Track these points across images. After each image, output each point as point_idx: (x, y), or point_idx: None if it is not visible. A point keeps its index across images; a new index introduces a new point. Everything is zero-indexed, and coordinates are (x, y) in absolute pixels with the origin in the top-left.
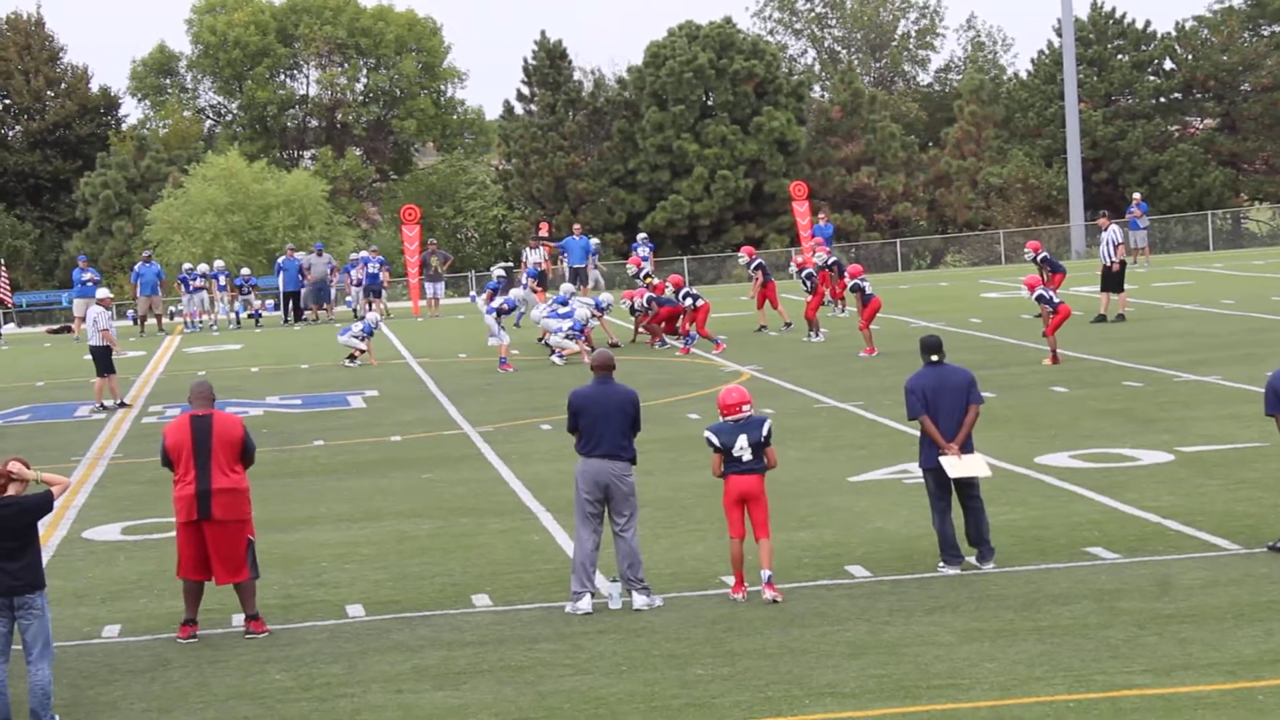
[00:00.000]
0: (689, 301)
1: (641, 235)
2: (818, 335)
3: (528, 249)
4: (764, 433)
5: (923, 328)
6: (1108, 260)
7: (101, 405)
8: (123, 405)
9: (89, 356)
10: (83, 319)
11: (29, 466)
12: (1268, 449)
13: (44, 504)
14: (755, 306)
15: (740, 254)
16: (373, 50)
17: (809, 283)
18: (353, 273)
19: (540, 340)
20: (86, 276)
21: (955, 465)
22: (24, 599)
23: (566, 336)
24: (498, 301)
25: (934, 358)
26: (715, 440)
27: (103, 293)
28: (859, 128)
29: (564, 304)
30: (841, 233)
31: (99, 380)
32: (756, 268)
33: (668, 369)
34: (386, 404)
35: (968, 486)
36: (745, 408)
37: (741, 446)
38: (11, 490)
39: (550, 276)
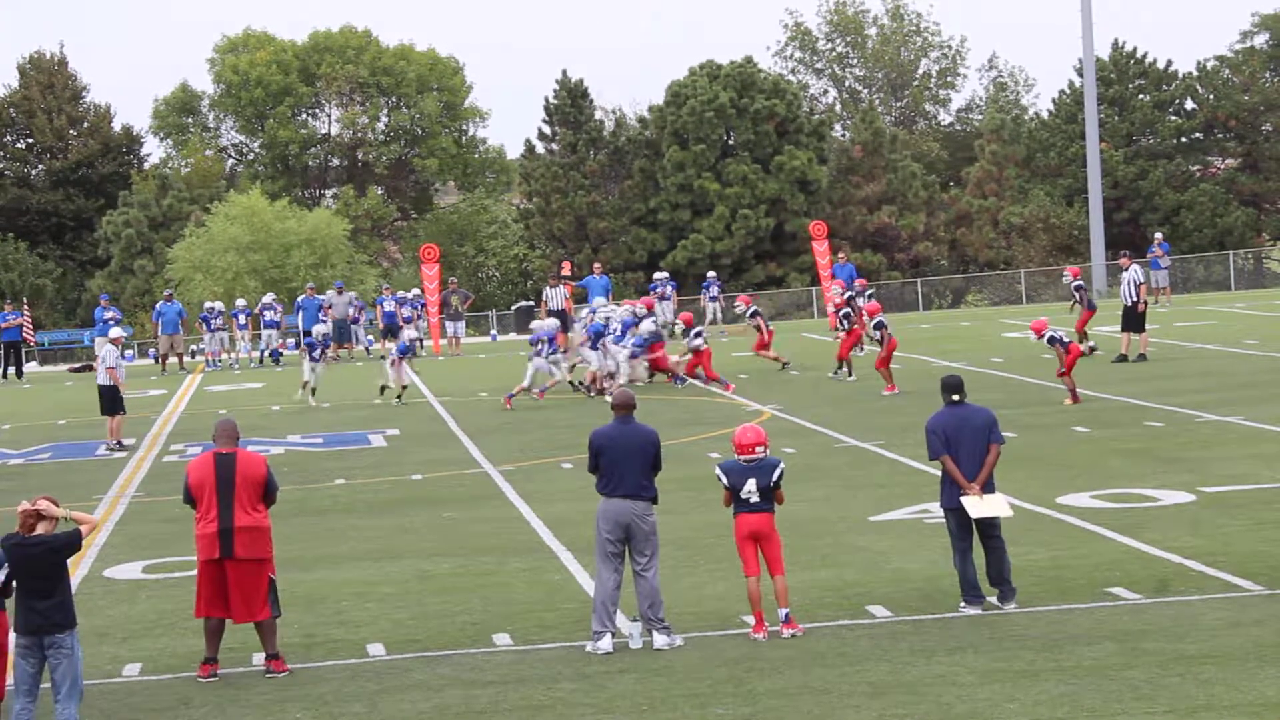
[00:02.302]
0: (697, 342)
1: (664, 275)
2: (849, 375)
3: (548, 288)
4: (774, 478)
5: (944, 367)
6: (1130, 300)
7: (119, 444)
8: (120, 445)
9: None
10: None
11: (57, 504)
12: None
13: (72, 542)
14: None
15: (738, 302)
16: (394, 89)
17: (846, 322)
18: (404, 309)
19: (579, 383)
20: (108, 315)
21: (977, 505)
22: (54, 638)
23: (631, 355)
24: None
25: (955, 397)
26: (725, 479)
27: (115, 332)
28: (880, 167)
29: (601, 332)
30: (862, 272)
31: (111, 419)
32: (753, 315)
33: (688, 408)
34: (407, 443)
35: (989, 526)
36: (759, 449)
37: (750, 490)
38: (40, 529)
39: (571, 315)
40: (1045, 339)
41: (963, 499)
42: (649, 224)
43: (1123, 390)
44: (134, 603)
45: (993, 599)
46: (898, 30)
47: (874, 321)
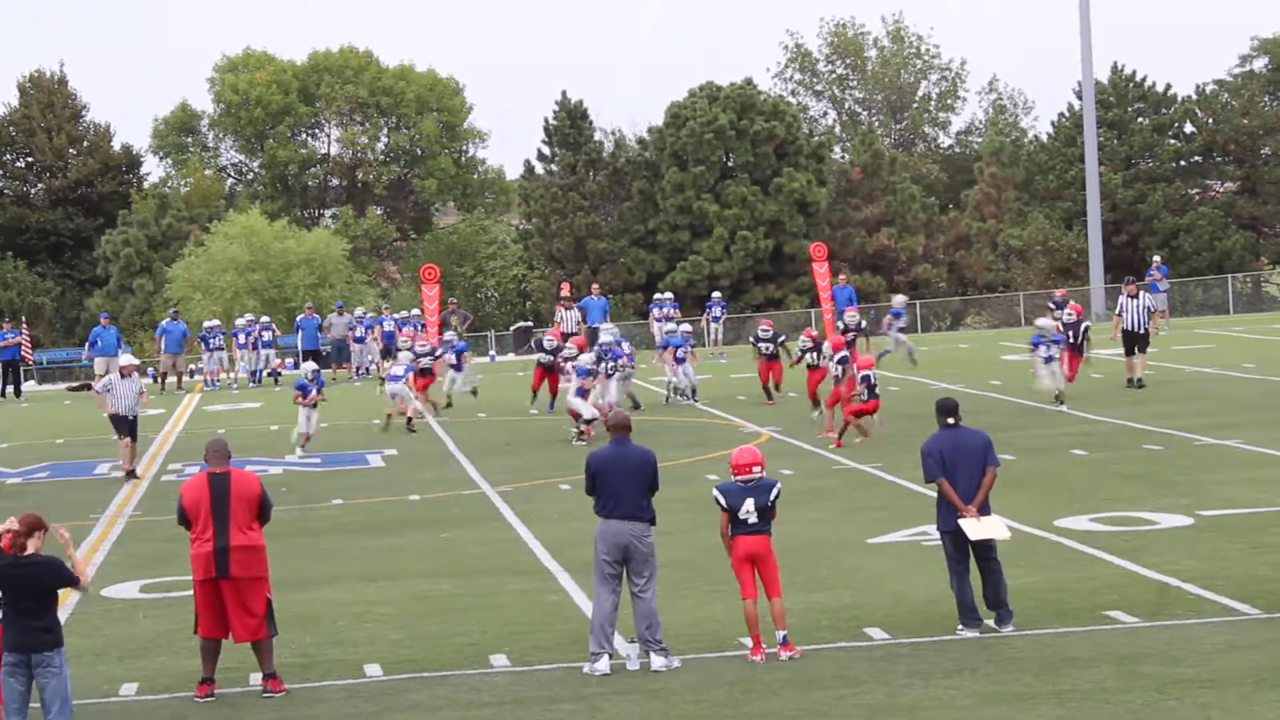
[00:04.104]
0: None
1: (668, 295)
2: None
3: (561, 309)
4: (772, 497)
5: (942, 389)
6: (1142, 328)
7: (130, 472)
8: (129, 473)
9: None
10: (104, 375)
11: (67, 533)
12: None
13: (63, 577)
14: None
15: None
16: (394, 110)
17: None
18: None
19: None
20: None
21: (974, 527)
22: (42, 656)
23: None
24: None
25: (950, 420)
26: (723, 500)
27: (125, 359)
28: (879, 189)
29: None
30: (861, 294)
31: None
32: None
33: (687, 430)
34: (405, 463)
35: (985, 549)
36: (756, 469)
37: (748, 510)
38: (30, 546)
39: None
40: (834, 359)
41: (960, 521)
42: (648, 245)
43: (1121, 413)
44: (131, 622)
45: (990, 622)
46: (897, 52)
47: (837, 356)
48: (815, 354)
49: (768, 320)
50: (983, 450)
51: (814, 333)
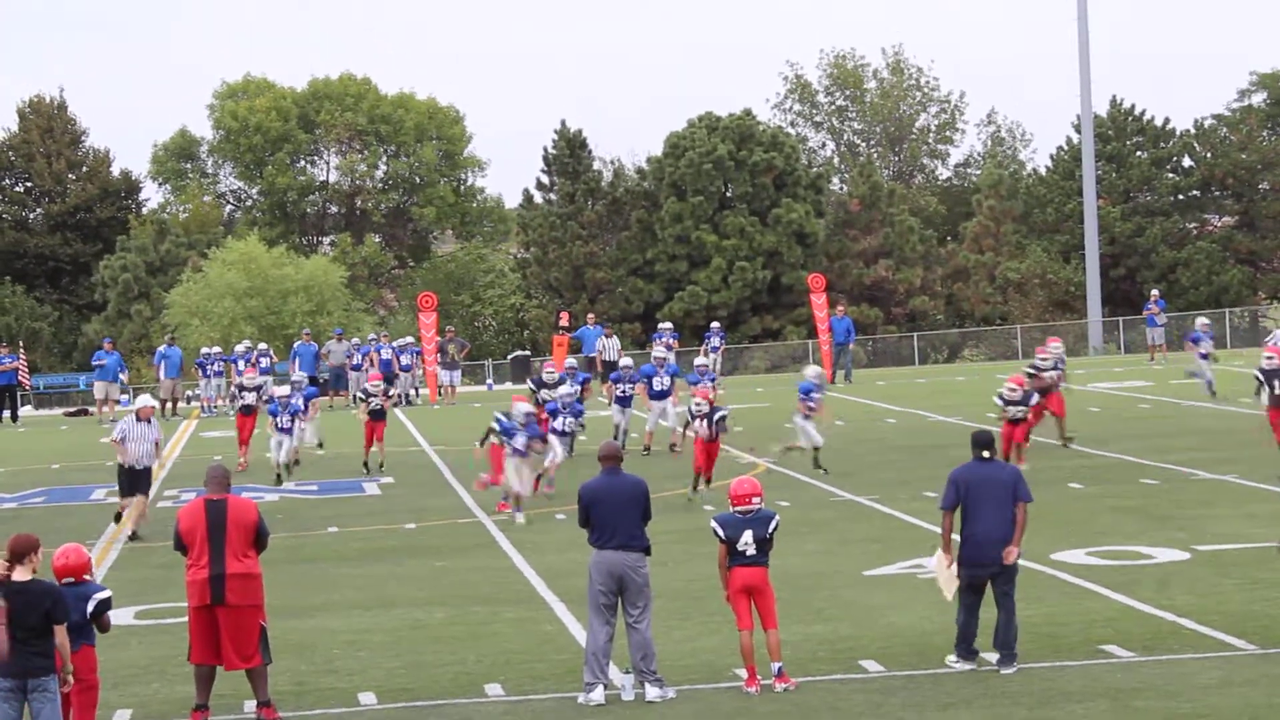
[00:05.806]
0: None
1: (667, 325)
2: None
3: (603, 338)
4: (770, 529)
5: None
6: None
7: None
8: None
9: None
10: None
11: (32, 547)
12: None
13: (60, 605)
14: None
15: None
16: (393, 137)
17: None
18: (402, 358)
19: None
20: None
21: (940, 571)
22: (39, 681)
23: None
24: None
25: (985, 453)
26: (721, 532)
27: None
28: (877, 221)
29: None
30: (859, 326)
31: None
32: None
33: (681, 460)
34: (401, 491)
35: (1004, 582)
36: (755, 500)
37: (746, 541)
38: (26, 571)
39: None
40: (1019, 398)
41: (927, 559)
42: (646, 275)
43: (1118, 447)
44: (125, 648)
45: (993, 660)
46: (897, 84)
47: (1020, 394)
48: (706, 422)
49: (704, 391)
50: (1011, 485)
51: (710, 395)
